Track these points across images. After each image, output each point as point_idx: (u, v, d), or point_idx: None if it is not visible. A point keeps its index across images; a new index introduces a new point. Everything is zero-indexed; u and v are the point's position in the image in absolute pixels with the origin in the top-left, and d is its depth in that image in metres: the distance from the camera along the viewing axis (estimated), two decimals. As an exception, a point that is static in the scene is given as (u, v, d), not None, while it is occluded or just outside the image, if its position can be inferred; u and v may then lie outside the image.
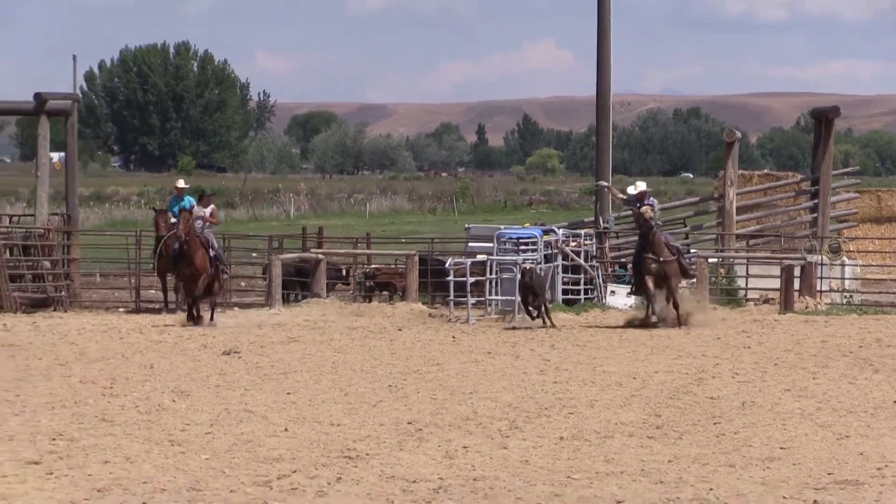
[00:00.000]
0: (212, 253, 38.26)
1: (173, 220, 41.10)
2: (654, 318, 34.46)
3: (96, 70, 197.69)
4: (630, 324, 36.29)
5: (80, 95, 40.75)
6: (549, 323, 36.83)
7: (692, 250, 45.99)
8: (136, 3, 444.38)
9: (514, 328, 37.19)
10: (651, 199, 36.09)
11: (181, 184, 46.19)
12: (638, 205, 36.21)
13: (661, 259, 33.98)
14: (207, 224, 39.06)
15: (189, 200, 42.28)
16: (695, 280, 37.80)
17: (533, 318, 36.95)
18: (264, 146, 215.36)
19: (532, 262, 37.29)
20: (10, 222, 46.39)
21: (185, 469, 17.83)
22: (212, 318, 37.64)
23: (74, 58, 70.18)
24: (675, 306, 34.65)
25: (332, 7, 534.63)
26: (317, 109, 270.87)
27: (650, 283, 34.14)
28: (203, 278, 37.04)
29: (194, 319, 37.24)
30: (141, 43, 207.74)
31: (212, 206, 40.98)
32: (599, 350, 32.42)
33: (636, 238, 47.68)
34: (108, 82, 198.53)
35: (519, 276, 37.09)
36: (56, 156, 47.61)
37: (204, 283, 37.32)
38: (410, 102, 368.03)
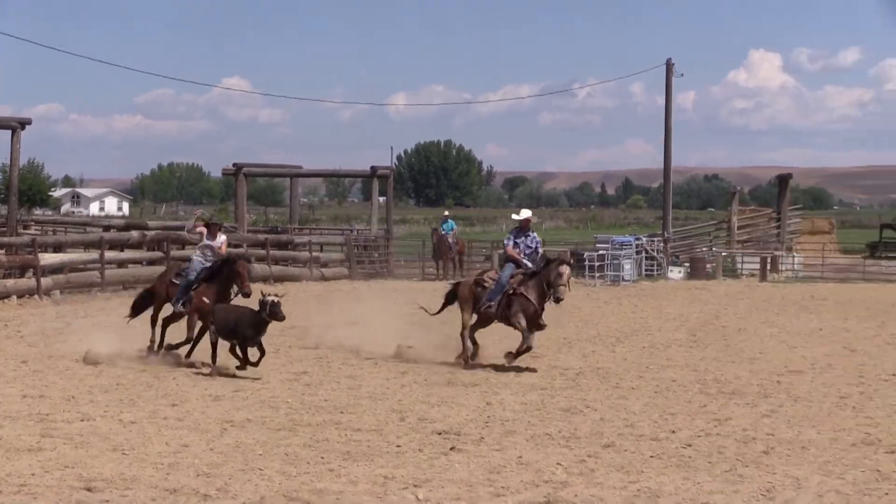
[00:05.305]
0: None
1: (442, 232, 41.12)
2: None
3: (402, 154, 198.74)
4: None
5: (394, 167, 41.59)
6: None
7: (714, 248, 45.51)
8: (425, 121, 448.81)
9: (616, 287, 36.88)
10: (532, 233, 18.09)
11: (446, 213, 46.50)
12: (523, 237, 17.81)
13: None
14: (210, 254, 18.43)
15: (451, 224, 42.21)
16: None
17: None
18: (489, 194, 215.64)
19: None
20: (357, 233, 47.65)
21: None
22: None
23: (392, 148, 72.10)
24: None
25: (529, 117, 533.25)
26: (517, 175, 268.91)
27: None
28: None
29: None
30: (426, 140, 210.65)
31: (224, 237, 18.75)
32: (659, 300, 31.97)
33: (685, 242, 47.41)
34: (409, 160, 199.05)
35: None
36: (381, 199, 48.04)
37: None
38: (568, 171, 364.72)
